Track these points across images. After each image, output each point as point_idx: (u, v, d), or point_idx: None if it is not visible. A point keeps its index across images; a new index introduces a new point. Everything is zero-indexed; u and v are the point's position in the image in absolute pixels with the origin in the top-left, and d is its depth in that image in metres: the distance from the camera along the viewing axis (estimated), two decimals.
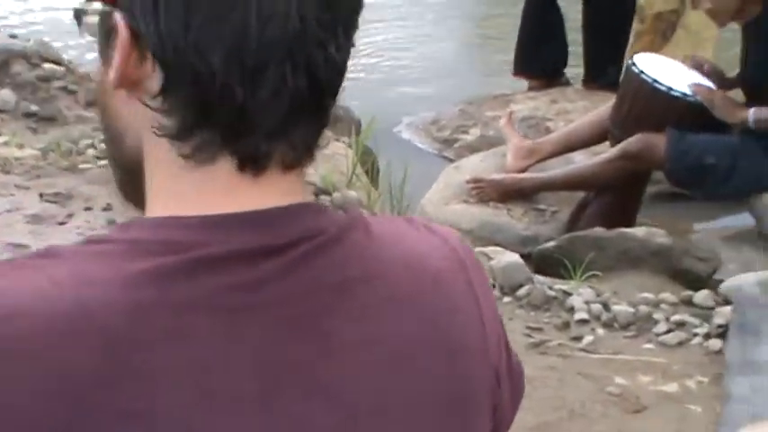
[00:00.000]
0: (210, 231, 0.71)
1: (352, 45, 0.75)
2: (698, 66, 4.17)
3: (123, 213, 3.75)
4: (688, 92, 3.97)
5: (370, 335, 0.73)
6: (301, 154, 0.74)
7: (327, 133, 5.10)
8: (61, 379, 0.65)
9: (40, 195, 3.87)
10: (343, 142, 4.80)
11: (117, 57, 0.73)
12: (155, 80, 0.72)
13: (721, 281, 3.46)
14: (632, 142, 4.02)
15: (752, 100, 4.02)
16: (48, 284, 0.67)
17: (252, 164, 0.72)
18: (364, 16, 0.76)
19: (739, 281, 3.27)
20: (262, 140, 0.72)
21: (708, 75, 4.14)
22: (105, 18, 0.75)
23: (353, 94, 5.22)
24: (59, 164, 4.15)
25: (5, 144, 4.22)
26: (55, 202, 3.84)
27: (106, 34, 0.75)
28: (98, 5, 0.77)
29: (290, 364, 0.70)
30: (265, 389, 0.69)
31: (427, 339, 0.76)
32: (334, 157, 4.59)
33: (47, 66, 4.82)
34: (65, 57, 5.20)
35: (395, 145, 5.19)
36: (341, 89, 0.75)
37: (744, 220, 4.34)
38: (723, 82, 4.16)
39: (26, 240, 3.50)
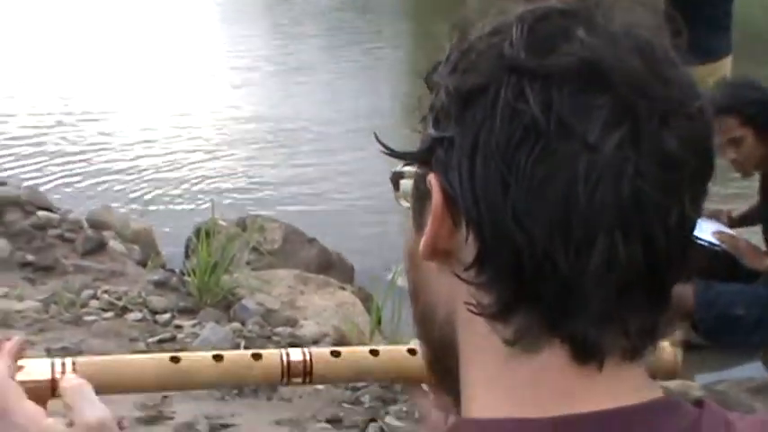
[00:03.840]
0: None
1: (699, 215, 0.67)
2: (715, 214, 4.14)
3: None
4: (713, 240, 3.93)
5: None
6: (639, 342, 0.65)
7: (332, 281, 4.89)
8: None
9: (47, 351, 3.65)
10: (346, 289, 4.68)
11: (429, 223, 0.66)
12: (469, 251, 0.65)
13: None
14: None
15: None
16: None
17: (584, 353, 0.64)
18: None
19: None
20: (590, 324, 0.63)
21: (727, 223, 4.12)
22: (419, 181, 0.69)
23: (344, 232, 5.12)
24: (63, 316, 3.94)
25: (5, 296, 4.00)
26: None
27: (419, 199, 0.70)
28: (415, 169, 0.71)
29: None
30: None
31: None
32: (343, 307, 4.47)
33: (41, 213, 4.66)
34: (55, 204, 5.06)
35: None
36: (684, 266, 0.66)
37: (746, 371, 4.21)
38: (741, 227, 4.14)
39: None
